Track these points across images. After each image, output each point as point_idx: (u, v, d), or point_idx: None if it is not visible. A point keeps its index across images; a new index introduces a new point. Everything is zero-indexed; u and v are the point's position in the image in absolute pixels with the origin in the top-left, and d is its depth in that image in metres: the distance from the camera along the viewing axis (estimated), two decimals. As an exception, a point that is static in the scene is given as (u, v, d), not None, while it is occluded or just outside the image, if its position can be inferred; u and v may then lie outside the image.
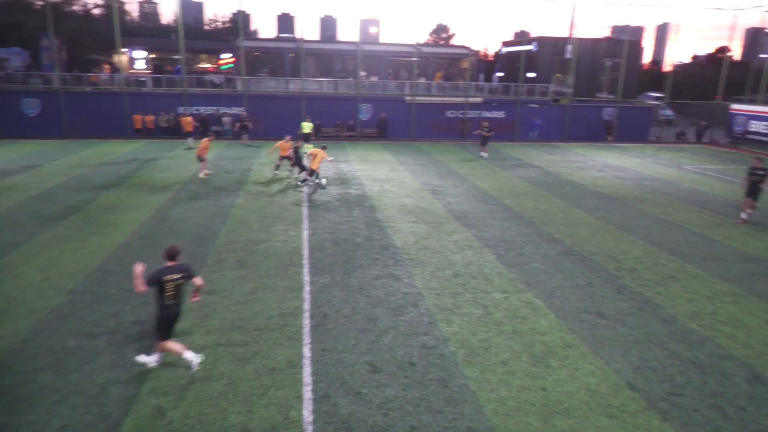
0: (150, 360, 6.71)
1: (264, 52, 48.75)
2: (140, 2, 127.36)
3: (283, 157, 19.18)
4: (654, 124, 36.26)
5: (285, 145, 18.99)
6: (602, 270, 10.77)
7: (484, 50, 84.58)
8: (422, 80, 39.20)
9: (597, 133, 33.43)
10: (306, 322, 8.11)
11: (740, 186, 15.70)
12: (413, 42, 40.69)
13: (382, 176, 19.86)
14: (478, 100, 33.32)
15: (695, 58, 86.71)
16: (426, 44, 64.62)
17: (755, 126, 31.46)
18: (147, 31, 69.11)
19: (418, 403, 6.21)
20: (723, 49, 60.44)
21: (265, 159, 23.07)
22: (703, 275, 10.67)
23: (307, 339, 7.61)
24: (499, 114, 32.60)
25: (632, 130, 33.71)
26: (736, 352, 7.66)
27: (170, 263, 6.59)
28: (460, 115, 32.17)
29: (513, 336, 7.89)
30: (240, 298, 8.89)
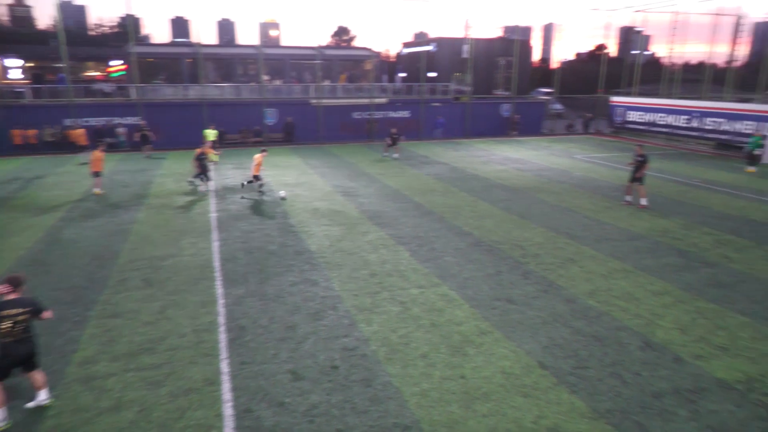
0: (40, 399, 6.12)
1: (159, 57, 46.35)
2: (10, 5, 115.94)
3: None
4: (546, 118, 38.77)
5: (209, 152, 18.78)
6: (509, 258, 11.36)
7: (385, 51, 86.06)
8: (327, 83, 39.18)
9: (496, 128, 35.16)
10: (222, 337, 7.83)
11: (627, 167, 17.12)
12: (315, 45, 40.51)
13: (293, 181, 19.60)
14: (383, 100, 33.86)
15: (578, 55, 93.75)
16: (328, 47, 64.67)
17: (632, 116, 34.60)
18: (21, 37, 63.16)
19: (343, 406, 6.21)
20: (601, 47, 65.93)
21: (166, 170, 21.94)
22: (598, 255, 11.58)
23: (224, 354, 7.35)
24: (404, 114, 33.34)
25: (527, 124, 35.83)
26: (629, 322, 8.40)
27: (12, 295, 5.89)
28: (367, 116, 32.52)
29: (431, 329, 8.12)
30: (148, 319, 8.40)
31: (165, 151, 26.92)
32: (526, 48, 59.41)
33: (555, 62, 50.78)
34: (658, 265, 10.95)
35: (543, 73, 72.89)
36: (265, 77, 39.16)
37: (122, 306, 8.85)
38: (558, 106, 45.78)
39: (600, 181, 19.94)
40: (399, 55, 64.73)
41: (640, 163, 15.88)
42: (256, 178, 17.04)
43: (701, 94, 35.54)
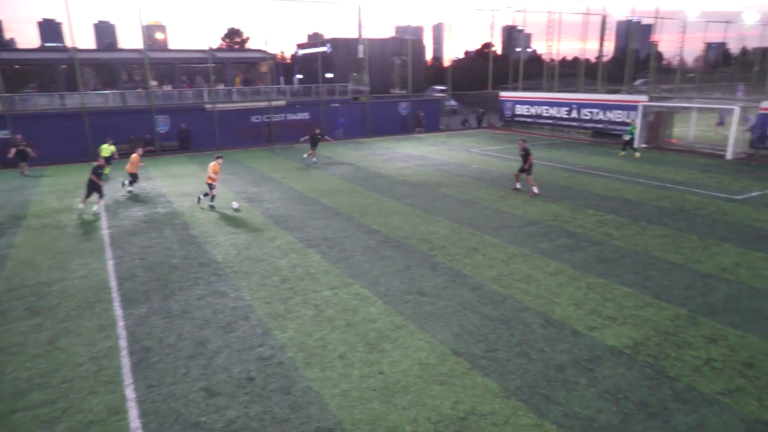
0: None
1: (28, 64, 42.20)
2: None
3: (133, 174, 18.12)
4: (442, 114, 40.23)
5: (136, 159, 17.98)
6: (417, 252, 11.67)
7: (281, 53, 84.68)
8: (221, 86, 37.81)
9: (396, 126, 35.89)
10: (125, 361, 7.32)
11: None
12: (206, 47, 38.94)
13: (192, 190, 18.70)
14: (282, 103, 33.32)
15: (467, 53, 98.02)
16: (220, 49, 62.37)
17: (520, 110, 36.89)
18: None
19: (262, 417, 6.06)
20: (488, 45, 69.51)
21: (47, 187, 20.04)
22: (498, 243, 12.23)
23: (128, 379, 6.87)
24: (304, 115, 33.03)
25: (425, 121, 36.95)
26: (530, 303, 8.97)
27: None
28: (266, 120, 31.83)
29: (347, 329, 8.14)
30: (37, 351, 7.64)
31: (45, 166, 24.59)
32: (419, 47, 61.28)
33: (447, 60, 52.80)
34: (552, 247, 11.79)
35: (436, 71, 75.52)
36: (153, 82, 37.01)
37: (3, 340, 7.98)
38: (453, 103, 47.68)
39: (495, 173, 21.05)
40: (294, 57, 64.04)
41: (525, 156, 16.97)
42: (210, 186, 15.96)
43: (578, 87, 38.66)
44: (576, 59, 50.08)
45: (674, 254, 11.23)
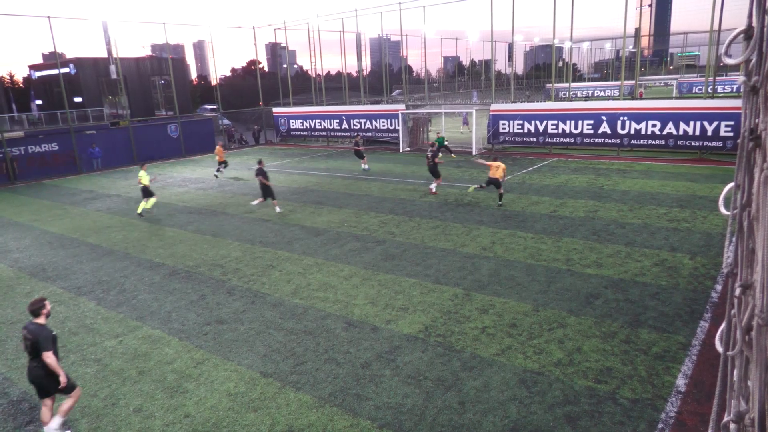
0: None
1: None
2: None
3: None
4: (217, 134, 38.84)
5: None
6: (210, 279, 11.08)
7: (8, 75, 71.98)
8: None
9: (167, 150, 33.42)
10: None
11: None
12: None
13: None
14: (20, 134, 28.30)
15: (234, 71, 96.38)
16: None
17: (294, 124, 37.72)
18: None
19: (45, 507, 5.08)
20: (254, 62, 69.40)
21: None
22: (293, 256, 12.33)
23: None
24: (52, 146, 28.55)
25: (199, 142, 35.20)
26: (330, 309, 9.25)
27: None
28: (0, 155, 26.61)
29: (140, 378, 7.32)
30: None
31: None
32: (181, 66, 58.16)
33: (215, 79, 51.15)
34: (343, 252, 12.35)
35: (204, 90, 72.67)
36: None
37: None
38: (226, 121, 46.43)
39: (279, 187, 21.14)
40: (29, 80, 55.07)
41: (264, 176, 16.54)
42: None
43: (345, 100, 41.14)
44: (339, 73, 53.25)
45: (445, 242, 12.74)
